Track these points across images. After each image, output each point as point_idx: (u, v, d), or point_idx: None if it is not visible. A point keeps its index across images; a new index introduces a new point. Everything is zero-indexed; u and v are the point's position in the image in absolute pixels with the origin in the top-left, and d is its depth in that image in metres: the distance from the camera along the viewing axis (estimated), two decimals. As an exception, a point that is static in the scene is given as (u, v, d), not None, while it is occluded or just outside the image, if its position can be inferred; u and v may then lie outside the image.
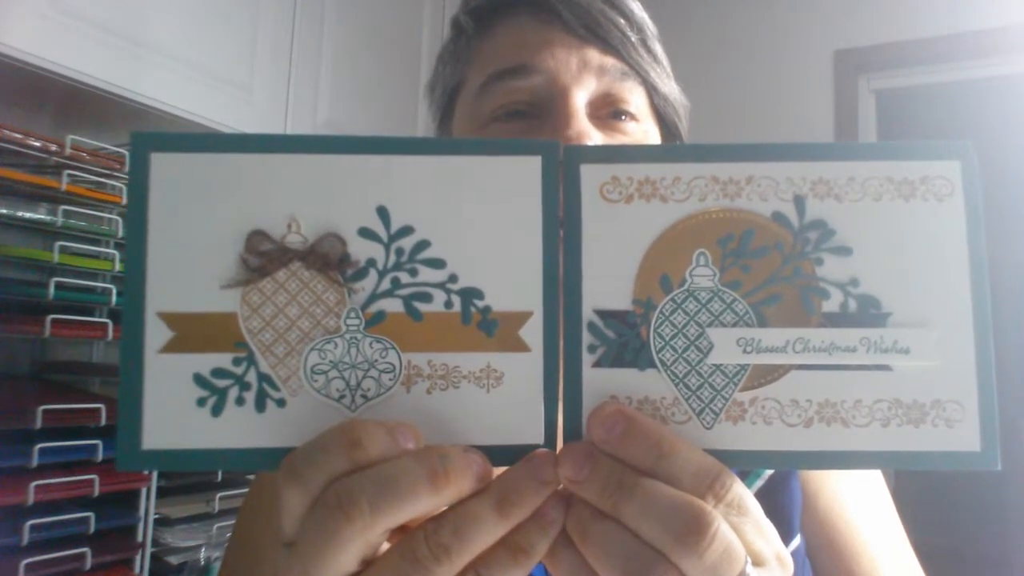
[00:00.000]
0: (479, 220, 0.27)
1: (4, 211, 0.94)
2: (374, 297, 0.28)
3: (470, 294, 0.27)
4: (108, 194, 1.04)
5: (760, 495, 0.48)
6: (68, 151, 0.98)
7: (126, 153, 1.05)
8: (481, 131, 0.49)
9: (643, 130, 0.50)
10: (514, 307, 0.27)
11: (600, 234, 0.28)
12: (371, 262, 0.28)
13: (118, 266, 1.03)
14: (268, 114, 1.25)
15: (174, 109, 1.08)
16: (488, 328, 0.27)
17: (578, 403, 0.28)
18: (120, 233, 1.04)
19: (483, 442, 0.27)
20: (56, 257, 0.97)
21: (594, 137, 0.46)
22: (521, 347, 0.27)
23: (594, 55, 0.48)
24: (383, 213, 0.28)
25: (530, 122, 0.47)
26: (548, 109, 0.47)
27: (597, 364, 0.28)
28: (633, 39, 0.49)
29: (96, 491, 0.96)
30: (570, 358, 0.28)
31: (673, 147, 0.30)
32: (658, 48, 0.51)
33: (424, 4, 1.65)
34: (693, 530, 0.25)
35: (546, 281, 0.27)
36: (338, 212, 0.28)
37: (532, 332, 0.27)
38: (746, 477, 0.38)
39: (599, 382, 0.28)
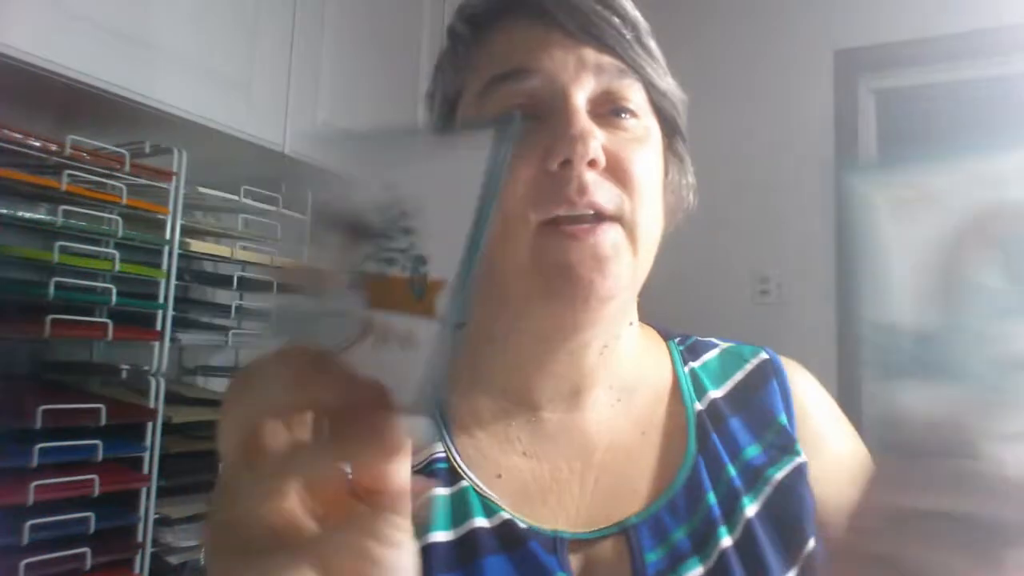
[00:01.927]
0: (447, 194, 0.29)
1: (4, 211, 0.94)
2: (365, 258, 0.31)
3: (418, 261, 0.29)
4: (108, 194, 1.04)
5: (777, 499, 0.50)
6: (68, 151, 0.98)
7: (126, 153, 1.05)
8: None
9: (643, 126, 0.50)
10: (438, 275, 0.29)
11: (887, 244, 0.28)
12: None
13: (118, 266, 1.03)
14: (268, 114, 1.25)
15: (174, 109, 1.08)
16: (420, 293, 0.29)
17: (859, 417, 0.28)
18: (120, 233, 1.04)
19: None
20: (56, 257, 0.97)
21: (597, 135, 0.46)
22: (433, 313, 0.28)
23: (591, 54, 0.48)
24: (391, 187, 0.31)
25: (531, 124, 0.47)
26: (549, 110, 0.47)
27: (883, 377, 0.28)
28: (628, 37, 0.49)
29: (96, 491, 0.96)
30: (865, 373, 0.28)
31: (941, 147, 0.30)
32: (653, 44, 0.52)
33: (424, 4, 1.65)
34: None
35: (466, 250, 0.28)
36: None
37: (442, 299, 0.28)
38: None
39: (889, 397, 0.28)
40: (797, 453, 0.54)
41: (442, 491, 0.49)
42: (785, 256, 2.41)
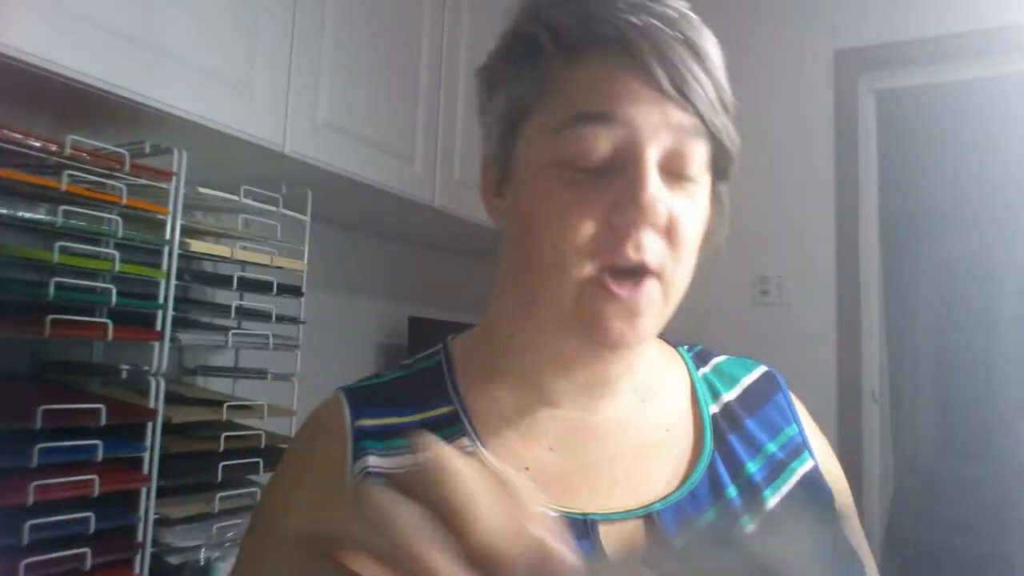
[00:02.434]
0: None
1: (4, 211, 0.94)
2: None
3: None
4: (108, 194, 1.04)
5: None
6: (68, 151, 0.98)
7: (126, 153, 1.05)
8: (554, 171, 0.49)
9: (700, 187, 0.51)
10: None
11: None
12: None
13: (118, 266, 1.03)
14: (268, 114, 1.25)
15: (174, 109, 1.08)
16: None
17: None
18: (120, 233, 1.04)
19: None
20: (56, 257, 0.97)
21: (664, 199, 0.47)
22: None
23: (675, 112, 0.48)
24: None
25: (601, 171, 0.48)
26: (622, 162, 0.48)
27: None
28: (712, 97, 0.49)
29: (96, 491, 0.96)
30: None
31: None
32: (728, 97, 0.51)
33: (424, 4, 1.64)
34: None
35: None
36: None
37: None
38: None
39: None
40: (811, 455, 0.59)
41: None
42: (785, 256, 2.41)
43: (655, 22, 0.47)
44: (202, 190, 1.19)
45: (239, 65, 1.19)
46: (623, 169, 0.48)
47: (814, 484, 0.56)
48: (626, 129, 0.47)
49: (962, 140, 3.39)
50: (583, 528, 0.50)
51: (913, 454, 4.18)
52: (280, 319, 1.37)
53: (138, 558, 1.04)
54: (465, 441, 0.53)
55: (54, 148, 0.97)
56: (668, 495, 0.53)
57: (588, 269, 0.48)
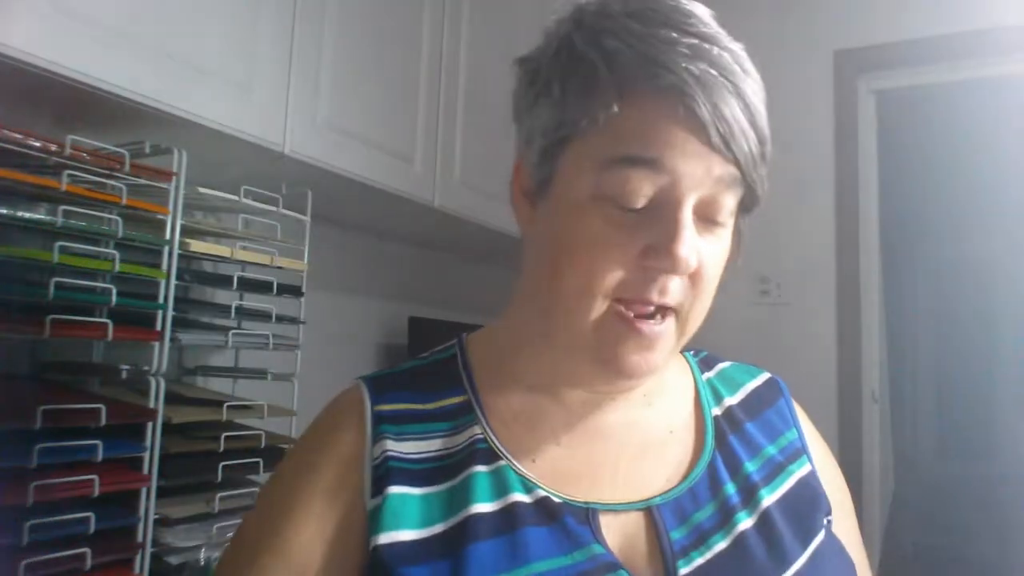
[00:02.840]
0: None
1: (4, 211, 0.94)
2: None
3: None
4: (108, 194, 1.04)
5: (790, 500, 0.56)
6: (68, 151, 0.97)
7: (126, 153, 1.05)
8: (595, 203, 0.50)
9: (727, 230, 0.53)
10: None
11: None
12: None
13: (118, 266, 1.03)
14: (268, 114, 1.25)
15: (174, 109, 1.08)
16: None
17: None
18: (120, 233, 1.04)
19: None
20: (56, 257, 0.97)
21: (696, 250, 0.49)
22: None
23: (718, 165, 0.49)
24: None
25: (640, 213, 0.49)
26: (660, 207, 0.49)
27: None
28: (755, 151, 0.50)
29: (96, 491, 0.96)
30: None
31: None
32: (768, 146, 0.52)
33: (424, 4, 1.64)
34: None
35: None
36: None
37: None
38: None
39: None
40: (809, 459, 0.61)
41: (483, 468, 0.53)
42: (785, 256, 2.41)
43: (712, 72, 0.47)
44: (202, 190, 1.19)
45: (239, 65, 1.19)
46: (660, 214, 0.49)
47: (810, 487, 0.58)
48: (670, 178, 0.48)
49: (961, 140, 3.39)
50: (584, 515, 0.52)
51: (913, 454, 4.18)
52: (280, 319, 1.37)
53: (138, 558, 1.04)
54: (476, 429, 0.55)
55: (54, 148, 0.97)
56: (668, 491, 0.55)
57: (609, 304, 0.50)
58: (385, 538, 0.49)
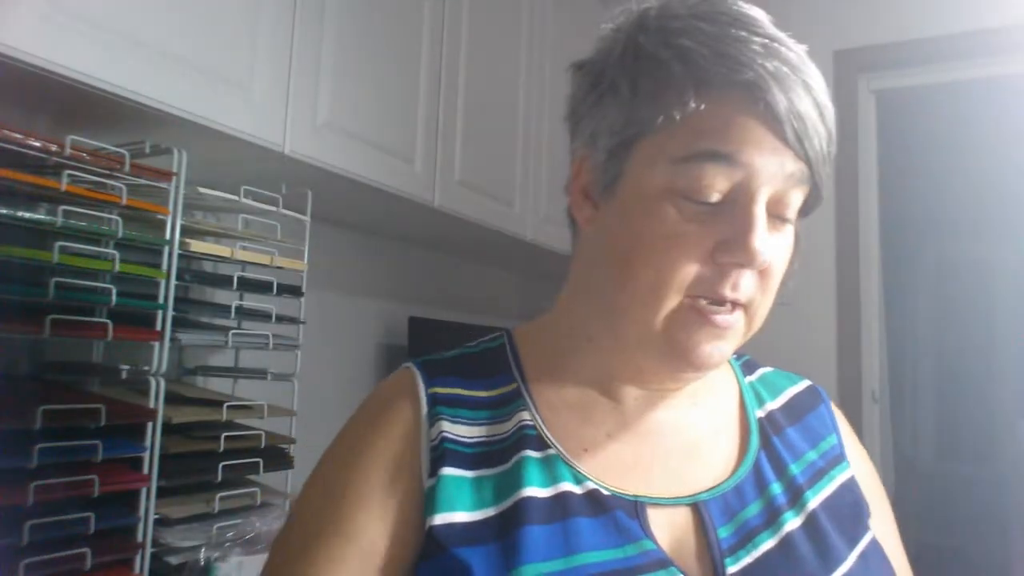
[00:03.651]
0: None
1: (4, 211, 0.94)
2: None
3: None
4: (108, 194, 1.04)
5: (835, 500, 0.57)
6: (68, 151, 0.97)
7: (126, 153, 1.05)
8: (668, 198, 0.50)
9: (792, 228, 0.54)
10: None
11: None
12: None
13: (118, 266, 1.03)
14: (268, 114, 1.24)
15: (174, 109, 1.08)
16: None
17: None
18: (120, 233, 1.04)
19: None
20: (56, 257, 0.97)
21: (768, 245, 0.50)
22: None
23: (790, 162, 0.50)
24: None
25: (712, 208, 0.50)
26: (733, 202, 0.50)
27: None
28: (824, 150, 0.51)
29: (96, 491, 0.96)
30: None
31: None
32: (834, 146, 0.53)
33: (424, 4, 1.64)
34: None
35: None
36: None
37: None
38: None
39: None
40: (848, 465, 0.61)
41: (534, 453, 0.54)
42: (785, 256, 2.41)
43: (785, 69, 0.48)
44: (202, 190, 1.19)
45: (239, 65, 1.19)
46: (734, 209, 0.50)
47: (852, 492, 0.59)
48: (745, 173, 0.49)
49: (962, 140, 3.39)
50: (632, 508, 0.52)
51: (913, 454, 4.18)
52: (280, 319, 1.37)
53: (138, 558, 1.04)
54: (525, 415, 0.56)
55: (54, 148, 0.97)
56: (715, 487, 0.55)
57: (682, 298, 0.50)
58: (440, 519, 0.50)
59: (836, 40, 2.42)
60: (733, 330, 0.52)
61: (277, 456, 1.31)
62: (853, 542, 0.54)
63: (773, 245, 0.51)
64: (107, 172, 1.03)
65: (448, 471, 0.52)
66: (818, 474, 0.58)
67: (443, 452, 0.53)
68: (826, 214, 2.42)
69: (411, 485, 0.53)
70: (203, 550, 1.12)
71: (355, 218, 1.82)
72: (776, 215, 0.52)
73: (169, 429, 1.11)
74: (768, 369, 0.68)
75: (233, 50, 1.18)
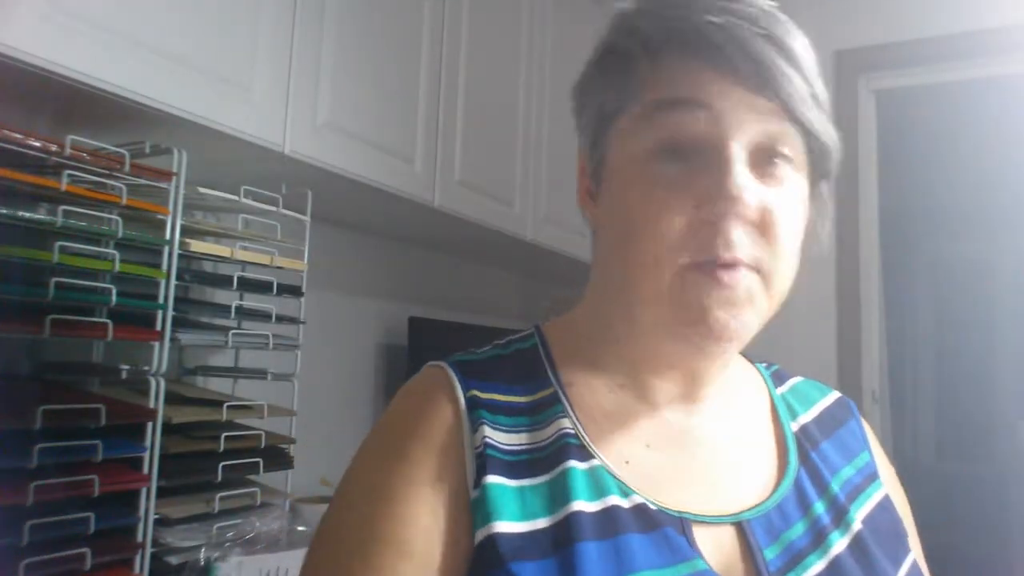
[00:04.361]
0: None
1: (4, 211, 0.94)
2: None
3: None
4: (108, 194, 1.04)
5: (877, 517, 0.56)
6: (68, 151, 0.98)
7: (126, 153, 1.05)
8: (641, 166, 0.50)
9: (797, 180, 0.51)
10: None
11: None
12: None
13: (118, 266, 1.03)
14: (268, 114, 1.24)
15: (174, 109, 1.08)
16: None
17: None
18: (120, 233, 1.04)
19: None
20: (56, 257, 0.97)
21: (752, 190, 0.47)
22: None
23: (762, 104, 0.48)
24: None
25: (689, 164, 0.49)
26: (708, 151, 0.48)
27: None
28: (802, 90, 0.49)
29: (96, 491, 0.96)
30: None
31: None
32: (822, 93, 0.51)
33: (424, 4, 1.64)
34: None
35: None
36: None
37: None
38: None
39: None
40: (881, 484, 0.60)
41: (578, 464, 0.51)
42: (785, 256, 2.41)
43: (736, 20, 0.48)
44: (202, 190, 1.19)
45: (239, 65, 1.19)
46: (709, 159, 0.48)
47: (889, 511, 0.57)
48: (709, 115, 0.48)
49: (962, 140, 3.39)
50: (679, 526, 0.50)
51: (913, 454, 4.17)
52: (280, 319, 1.37)
53: (138, 558, 1.04)
54: (565, 423, 0.53)
55: (54, 148, 0.97)
56: (757, 505, 0.53)
57: (681, 260, 0.48)
58: (492, 529, 0.47)
59: (836, 40, 2.42)
60: (746, 296, 0.48)
61: (277, 456, 1.31)
62: (897, 564, 0.52)
63: (770, 198, 0.49)
64: (107, 172, 1.03)
65: (492, 479, 0.49)
66: (856, 491, 0.57)
67: (486, 460, 0.50)
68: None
69: (458, 494, 0.50)
70: (203, 550, 1.12)
71: (355, 218, 1.82)
72: (768, 165, 0.50)
73: (169, 429, 1.11)
74: (798, 379, 0.66)
75: (233, 50, 1.18)
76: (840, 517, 0.53)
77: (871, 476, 0.59)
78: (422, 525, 0.48)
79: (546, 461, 0.51)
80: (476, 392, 0.54)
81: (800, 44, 0.50)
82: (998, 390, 3.87)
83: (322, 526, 0.51)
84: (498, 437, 0.52)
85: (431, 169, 1.65)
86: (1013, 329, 3.91)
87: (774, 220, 0.49)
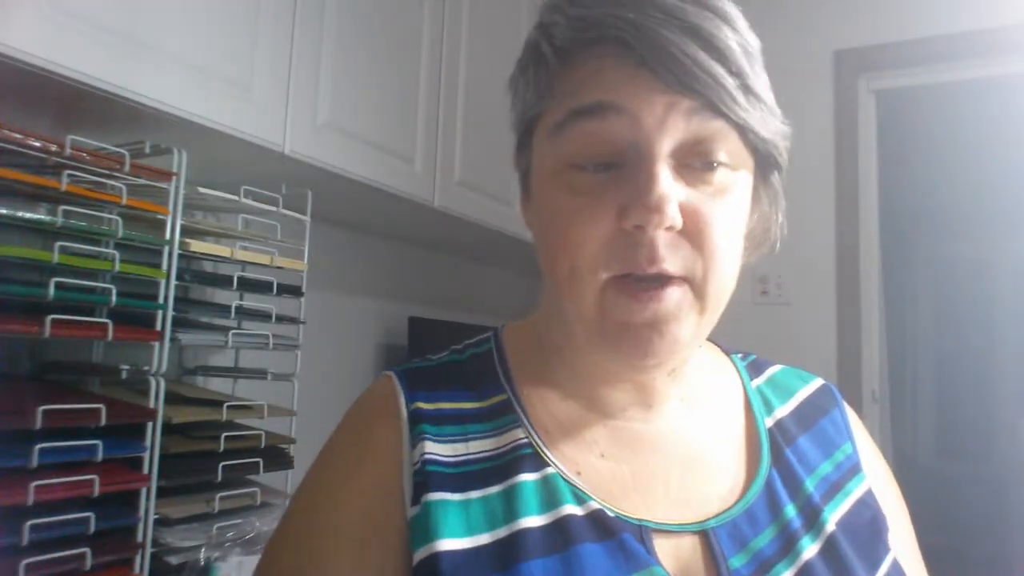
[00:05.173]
0: None
1: (4, 211, 0.94)
2: None
3: None
4: (108, 194, 1.04)
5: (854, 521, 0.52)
6: (68, 151, 0.97)
7: (126, 153, 1.05)
8: (559, 176, 0.47)
9: (735, 179, 0.48)
10: None
11: None
12: None
13: (118, 266, 1.03)
14: (268, 114, 1.25)
15: (173, 109, 1.08)
16: None
17: None
18: (120, 233, 1.04)
19: None
20: (56, 257, 0.97)
21: (675, 198, 0.44)
22: None
23: (683, 101, 0.44)
24: None
25: (610, 172, 0.46)
26: (629, 156, 0.45)
27: None
28: (730, 85, 0.44)
29: (96, 491, 0.96)
30: None
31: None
32: (759, 83, 0.47)
33: (424, 4, 1.64)
34: None
35: None
36: None
37: None
38: None
39: None
40: (864, 476, 0.56)
41: (531, 476, 0.49)
42: (785, 256, 2.41)
43: (652, 13, 0.44)
44: (202, 190, 1.19)
45: (239, 65, 1.19)
46: (629, 167, 0.45)
47: (869, 507, 0.54)
48: (626, 119, 0.44)
49: (962, 140, 3.39)
50: (638, 533, 0.48)
51: (913, 454, 4.17)
52: (280, 319, 1.37)
53: (138, 558, 1.04)
54: (519, 433, 0.51)
55: (54, 148, 0.97)
56: (723, 511, 0.50)
57: (605, 274, 0.45)
58: (435, 548, 0.45)
59: (836, 40, 2.42)
60: (675, 311, 0.45)
61: (277, 456, 1.31)
62: (874, 565, 0.50)
63: (701, 204, 0.45)
64: (107, 172, 1.03)
65: (433, 496, 0.47)
66: (833, 488, 0.54)
67: (427, 476, 0.48)
68: (826, 214, 2.42)
69: (395, 517, 0.48)
70: (203, 550, 1.12)
71: (355, 218, 1.82)
72: (696, 166, 0.46)
73: (169, 429, 1.11)
74: (777, 368, 0.62)
75: (233, 50, 1.18)
76: (812, 520, 0.51)
77: (852, 469, 0.56)
78: (350, 561, 0.47)
79: (496, 472, 0.49)
80: (420, 404, 0.52)
81: (729, 35, 0.45)
82: (998, 390, 3.87)
83: (263, 555, 0.52)
84: (441, 450, 0.50)
85: (431, 169, 1.65)
86: (1013, 329, 3.91)
87: (703, 226, 0.45)
